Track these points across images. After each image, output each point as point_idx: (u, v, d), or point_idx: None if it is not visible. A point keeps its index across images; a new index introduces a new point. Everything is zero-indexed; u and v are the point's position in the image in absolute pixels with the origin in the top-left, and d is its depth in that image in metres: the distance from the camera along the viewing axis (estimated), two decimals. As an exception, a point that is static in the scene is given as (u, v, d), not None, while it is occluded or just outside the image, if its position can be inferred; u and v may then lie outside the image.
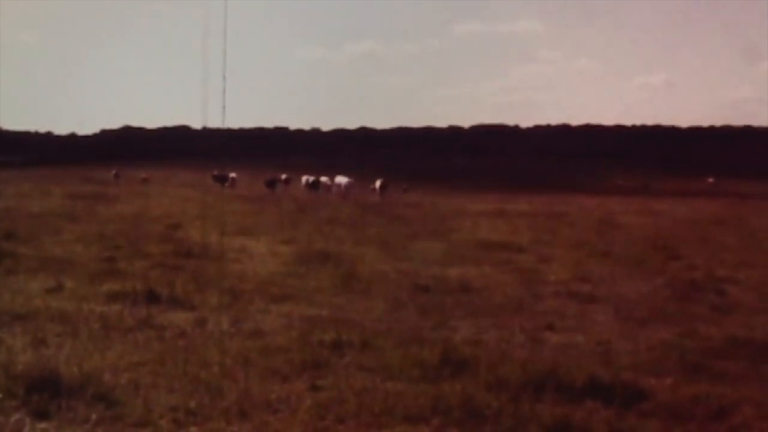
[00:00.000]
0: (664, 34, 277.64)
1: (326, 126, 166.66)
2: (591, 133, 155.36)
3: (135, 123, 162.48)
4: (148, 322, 12.37)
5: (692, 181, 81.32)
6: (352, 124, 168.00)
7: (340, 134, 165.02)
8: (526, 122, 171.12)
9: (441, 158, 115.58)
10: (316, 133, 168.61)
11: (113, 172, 69.76)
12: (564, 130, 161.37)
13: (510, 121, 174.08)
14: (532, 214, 40.60)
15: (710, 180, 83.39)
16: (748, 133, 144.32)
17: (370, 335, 11.90)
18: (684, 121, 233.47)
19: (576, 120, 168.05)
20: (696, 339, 12.72)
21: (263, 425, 8.22)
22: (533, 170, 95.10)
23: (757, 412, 9.08)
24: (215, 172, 60.69)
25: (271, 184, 57.30)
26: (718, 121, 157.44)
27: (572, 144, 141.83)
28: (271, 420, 8.35)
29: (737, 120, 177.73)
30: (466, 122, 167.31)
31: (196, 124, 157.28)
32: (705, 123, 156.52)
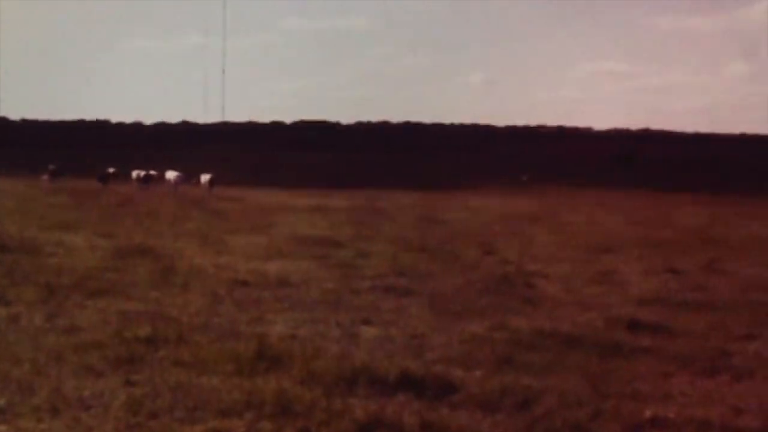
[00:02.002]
0: (483, 33, 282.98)
1: (148, 120, 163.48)
2: (411, 130, 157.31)
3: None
4: (-42, 319, 12.07)
5: (508, 178, 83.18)
6: (173, 118, 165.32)
7: (161, 128, 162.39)
8: (347, 119, 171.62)
9: (264, 153, 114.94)
10: (137, 126, 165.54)
11: None
12: (384, 126, 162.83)
13: (333, 117, 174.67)
14: (352, 209, 40.92)
15: (524, 178, 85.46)
16: (561, 133, 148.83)
17: (187, 330, 11.91)
18: (500, 120, 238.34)
19: (397, 117, 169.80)
20: (506, 331, 13.05)
21: (75, 422, 8.16)
22: (354, 166, 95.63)
23: (559, 400, 9.46)
24: (51, 166, 59.10)
25: (103, 178, 56.24)
26: (533, 120, 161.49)
27: (392, 141, 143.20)
28: (84, 417, 8.29)
29: (551, 120, 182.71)
30: (288, 117, 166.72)
31: (15, 116, 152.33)
32: (520, 122, 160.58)
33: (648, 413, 9.19)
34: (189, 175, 55.90)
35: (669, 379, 10.96)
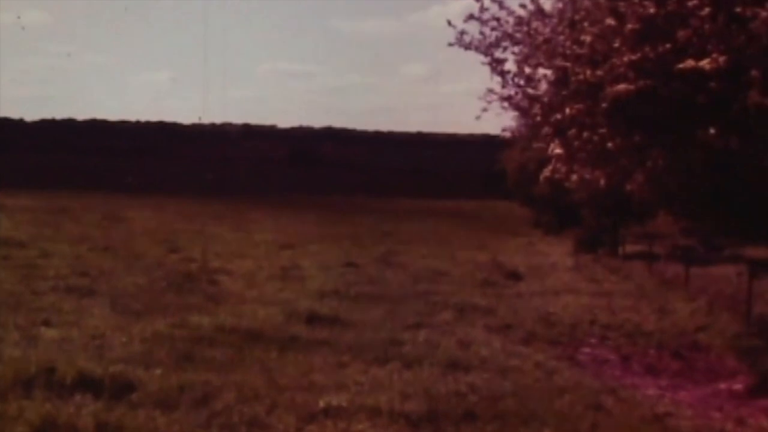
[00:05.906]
0: (169, 30, 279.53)
1: None
2: (97, 128, 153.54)
3: None
4: None
5: (191, 176, 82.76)
6: None
7: None
8: (31, 116, 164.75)
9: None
10: None
11: None
12: (70, 124, 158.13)
13: (14, 114, 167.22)
14: (35, 209, 39.73)
15: (209, 176, 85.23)
16: (246, 131, 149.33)
17: None
18: (186, 118, 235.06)
19: (82, 115, 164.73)
20: (187, 329, 13.19)
21: None
22: (38, 165, 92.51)
23: (238, 395, 9.69)
24: None
25: None
26: (219, 119, 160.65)
27: (78, 139, 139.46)
28: None
29: (236, 118, 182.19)
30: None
31: None
32: (206, 120, 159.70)
33: (322, 403, 9.53)
34: None
35: (343, 369, 11.41)
